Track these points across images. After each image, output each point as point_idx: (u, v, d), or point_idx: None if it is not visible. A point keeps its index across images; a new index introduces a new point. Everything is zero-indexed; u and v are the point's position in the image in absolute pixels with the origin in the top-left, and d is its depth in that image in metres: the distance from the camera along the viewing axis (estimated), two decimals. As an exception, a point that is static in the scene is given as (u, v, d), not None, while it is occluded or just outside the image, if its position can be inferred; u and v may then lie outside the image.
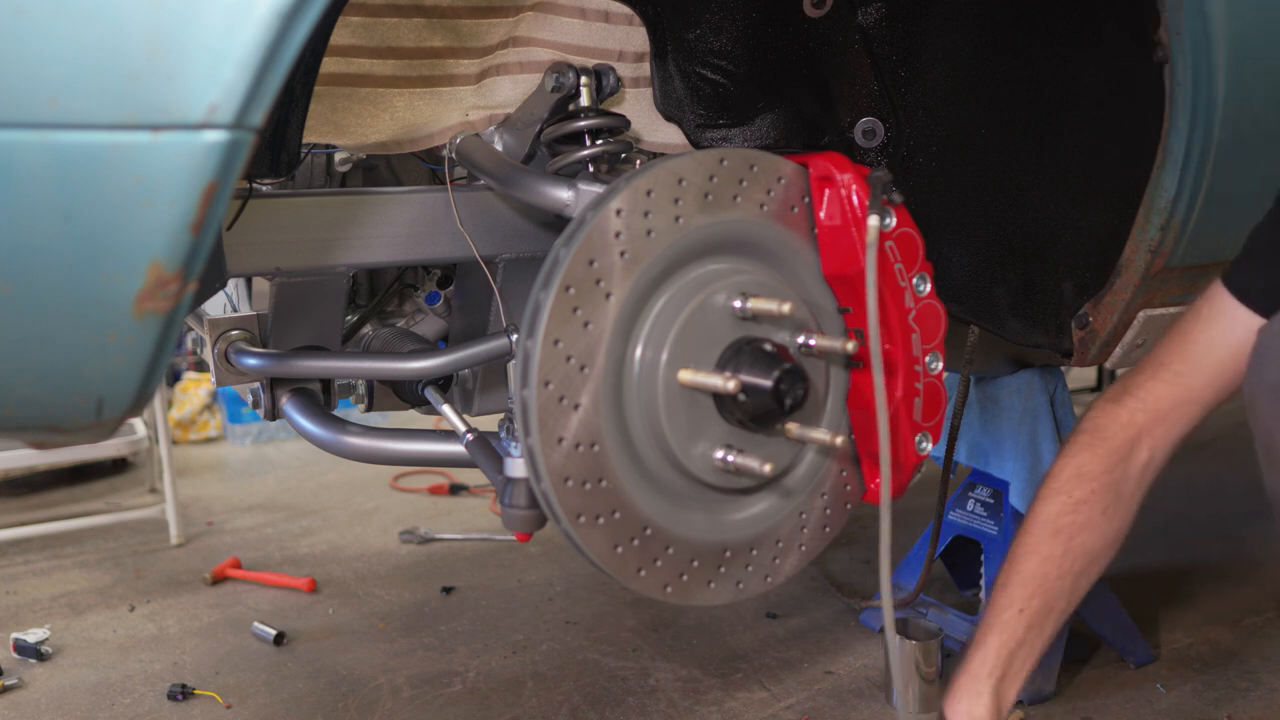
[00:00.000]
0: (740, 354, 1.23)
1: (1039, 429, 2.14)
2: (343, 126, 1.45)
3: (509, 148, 1.50)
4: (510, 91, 1.48)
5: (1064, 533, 1.31)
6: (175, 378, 4.81)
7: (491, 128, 1.51)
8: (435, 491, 3.66)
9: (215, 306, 1.80)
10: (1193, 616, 2.44)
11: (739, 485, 1.30)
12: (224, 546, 3.16)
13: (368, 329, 1.85)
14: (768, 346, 1.24)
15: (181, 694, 2.18)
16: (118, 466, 4.05)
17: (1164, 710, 2.03)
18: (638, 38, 1.47)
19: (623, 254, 1.19)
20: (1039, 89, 1.61)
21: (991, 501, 2.24)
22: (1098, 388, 4.58)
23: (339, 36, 1.38)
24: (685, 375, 1.21)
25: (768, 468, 1.21)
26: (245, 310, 1.69)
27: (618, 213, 1.19)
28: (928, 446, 1.40)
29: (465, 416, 1.48)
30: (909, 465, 1.39)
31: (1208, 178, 1.51)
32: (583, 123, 1.39)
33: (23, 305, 0.91)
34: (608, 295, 1.19)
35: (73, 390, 0.98)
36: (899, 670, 2.04)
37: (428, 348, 1.68)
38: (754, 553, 1.35)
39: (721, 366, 1.24)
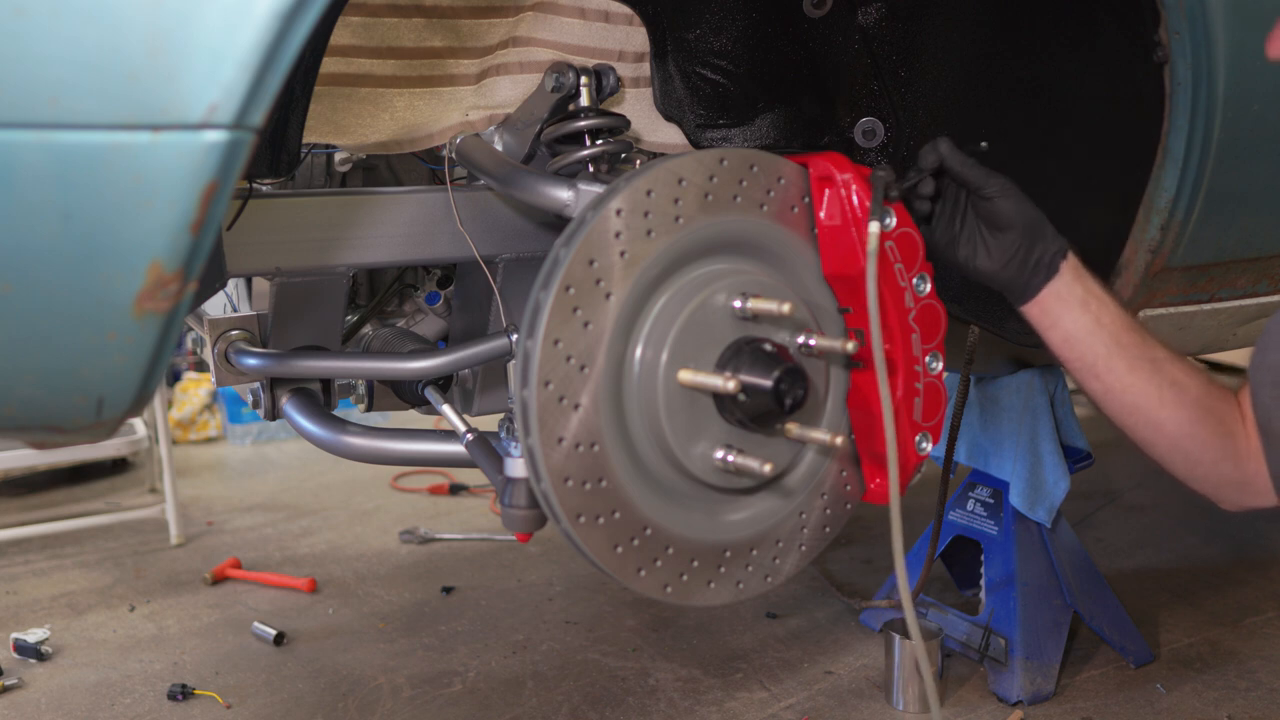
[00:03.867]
0: (740, 354, 1.23)
1: (1039, 429, 2.14)
2: (343, 126, 1.45)
3: (509, 148, 1.50)
4: (510, 91, 1.48)
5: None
6: (175, 378, 4.81)
7: (491, 128, 1.51)
8: (435, 491, 3.66)
9: (215, 306, 1.80)
10: (1193, 616, 2.44)
11: (739, 485, 1.30)
12: (224, 546, 3.16)
13: (368, 329, 1.85)
14: (768, 346, 1.24)
15: (181, 694, 2.18)
16: (118, 466, 4.05)
17: (1164, 710, 2.03)
18: (638, 38, 1.47)
19: (623, 254, 1.19)
20: (1039, 89, 1.61)
21: (991, 501, 2.23)
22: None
23: (339, 36, 1.38)
24: (685, 375, 1.21)
25: (768, 468, 1.21)
26: (245, 310, 1.69)
27: (618, 213, 1.19)
28: (928, 446, 1.39)
29: (465, 416, 1.48)
30: (909, 465, 1.39)
31: (1208, 178, 1.51)
32: (583, 123, 1.39)
33: (23, 305, 0.91)
34: (608, 295, 1.19)
35: (73, 390, 0.98)
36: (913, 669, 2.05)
37: (428, 348, 1.68)
38: (754, 553, 1.35)
39: (721, 366, 1.23)
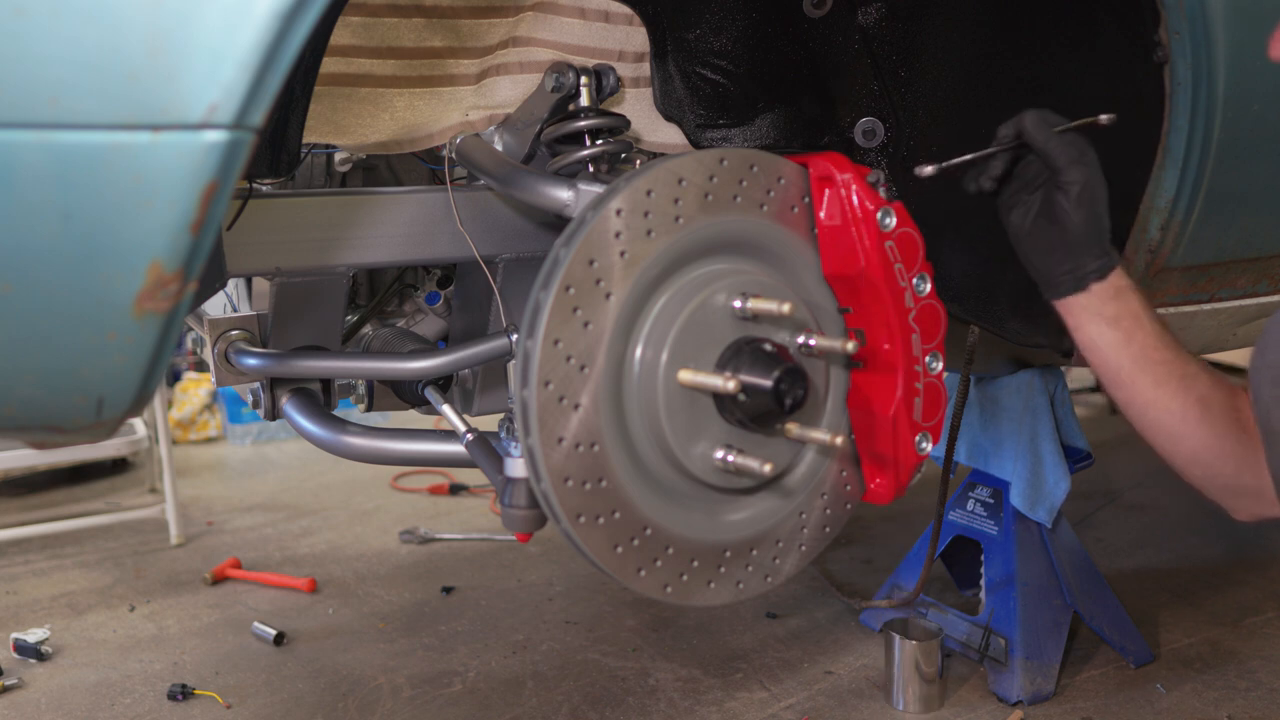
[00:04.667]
0: (740, 354, 1.23)
1: (1039, 429, 2.15)
2: (343, 126, 1.45)
3: (509, 148, 1.50)
4: (510, 91, 1.48)
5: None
6: (175, 378, 4.81)
7: (491, 128, 1.51)
8: (435, 491, 3.66)
9: (215, 306, 1.80)
10: (1193, 616, 2.44)
11: (739, 485, 1.30)
12: (224, 546, 3.16)
13: (368, 329, 1.85)
14: (768, 346, 1.24)
15: (181, 694, 2.18)
16: (118, 466, 4.05)
17: (1164, 710, 2.03)
18: (638, 38, 1.47)
19: (623, 254, 1.19)
20: (1039, 89, 1.61)
21: (991, 501, 2.24)
22: (1097, 388, 4.58)
23: (339, 36, 1.38)
24: (685, 375, 1.21)
25: (768, 468, 1.21)
26: (245, 310, 1.69)
27: (618, 213, 1.19)
28: (928, 446, 1.39)
29: (465, 416, 1.48)
30: (909, 465, 1.39)
31: (1208, 178, 1.51)
32: (583, 123, 1.39)
33: (23, 305, 0.91)
34: (608, 295, 1.19)
35: (73, 390, 0.98)
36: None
37: (428, 348, 1.68)
38: (754, 553, 1.35)
39: (721, 366, 1.24)
